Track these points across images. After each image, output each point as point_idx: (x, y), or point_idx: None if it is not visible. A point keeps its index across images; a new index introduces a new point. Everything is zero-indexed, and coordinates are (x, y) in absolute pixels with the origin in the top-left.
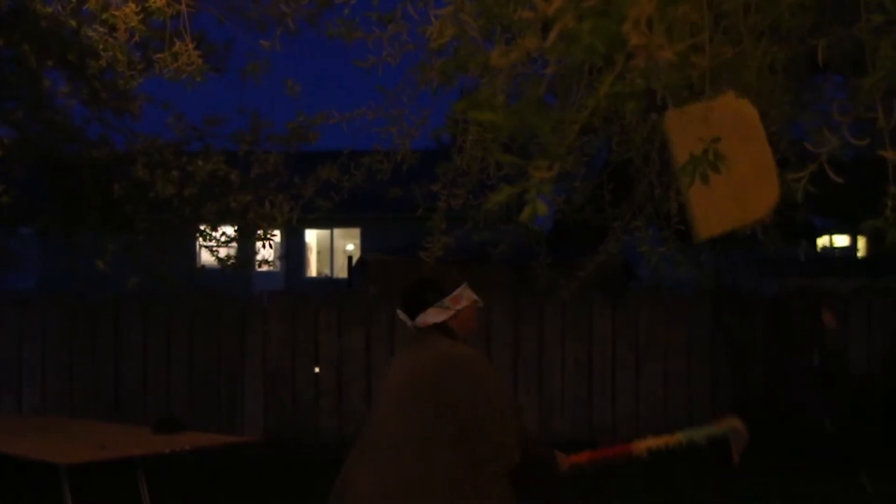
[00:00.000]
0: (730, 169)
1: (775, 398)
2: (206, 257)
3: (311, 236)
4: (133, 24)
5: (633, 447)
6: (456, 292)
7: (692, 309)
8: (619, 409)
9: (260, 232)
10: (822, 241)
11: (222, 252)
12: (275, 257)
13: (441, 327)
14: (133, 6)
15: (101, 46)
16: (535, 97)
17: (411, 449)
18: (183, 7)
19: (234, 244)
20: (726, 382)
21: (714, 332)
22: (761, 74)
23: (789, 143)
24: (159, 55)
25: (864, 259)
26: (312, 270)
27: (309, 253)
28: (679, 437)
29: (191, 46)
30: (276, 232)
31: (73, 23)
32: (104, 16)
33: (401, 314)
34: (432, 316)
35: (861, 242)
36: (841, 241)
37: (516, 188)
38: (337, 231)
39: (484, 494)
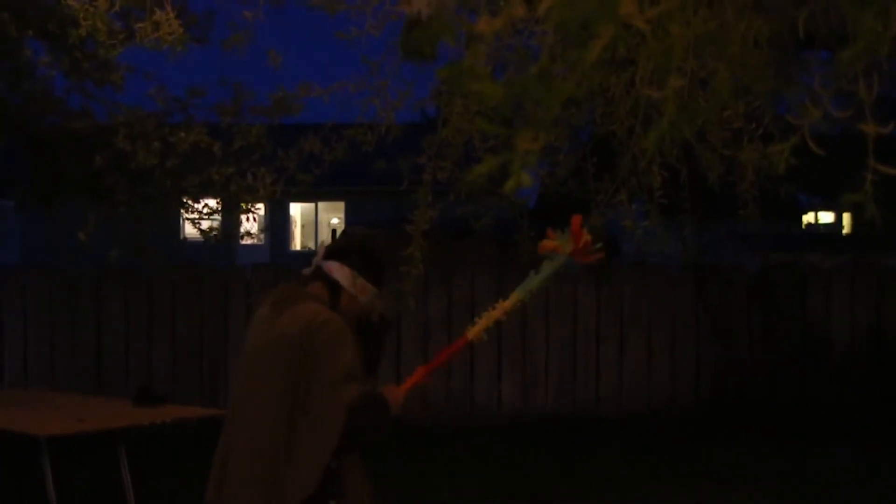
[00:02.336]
0: None
1: (758, 372)
2: (188, 230)
3: (296, 209)
4: None
5: (469, 335)
6: (370, 285)
7: (676, 284)
8: (602, 385)
9: (243, 205)
10: (807, 218)
11: (205, 224)
12: (258, 230)
13: (331, 287)
14: None
15: (81, 15)
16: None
17: (274, 417)
18: None
19: (217, 217)
20: (710, 357)
21: (697, 307)
22: (745, 48)
23: (773, 117)
24: (140, 24)
25: (848, 236)
26: (297, 244)
27: (293, 226)
28: (515, 296)
29: (172, 15)
30: (259, 205)
31: None
32: None
33: (321, 248)
34: (339, 272)
35: (846, 219)
36: (826, 217)
37: (500, 159)
38: (321, 204)
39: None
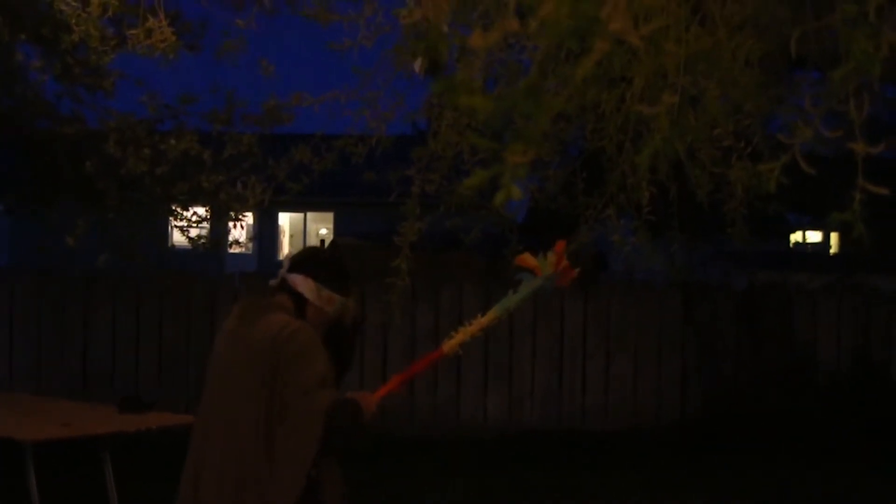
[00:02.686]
0: None
1: (744, 390)
2: (177, 237)
3: (285, 219)
4: None
5: (444, 348)
6: (336, 295)
7: (663, 301)
8: (588, 399)
9: (232, 213)
10: (795, 237)
11: (193, 232)
12: (246, 239)
13: (296, 299)
14: None
15: (74, 21)
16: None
17: (250, 429)
18: None
19: (206, 225)
20: (696, 374)
21: (684, 324)
22: (736, 66)
23: (763, 136)
24: (133, 31)
25: (836, 255)
26: (285, 253)
27: (282, 236)
28: (492, 314)
29: (165, 23)
30: (248, 213)
31: None
32: None
33: (286, 260)
34: (303, 285)
35: (834, 239)
36: (814, 237)
37: (490, 172)
38: (310, 214)
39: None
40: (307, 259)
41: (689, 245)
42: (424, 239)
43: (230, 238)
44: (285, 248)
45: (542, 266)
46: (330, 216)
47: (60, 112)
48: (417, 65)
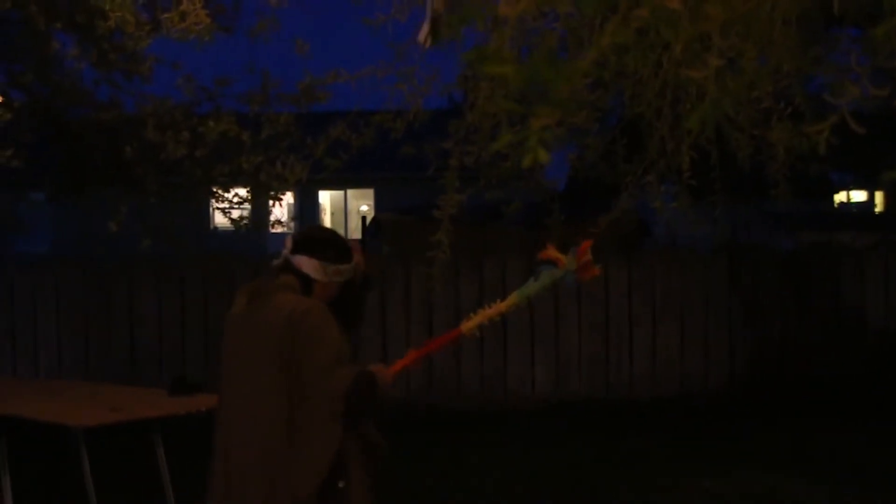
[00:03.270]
0: None
1: (793, 353)
2: (219, 219)
3: (325, 197)
4: None
5: (463, 328)
6: (344, 266)
7: (707, 266)
8: (635, 368)
9: (272, 193)
10: (840, 197)
11: (235, 213)
12: (288, 218)
13: (302, 279)
14: None
15: (108, 7)
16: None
17: (273, 416)
18: None
19: (247, 205)
20: (743, 338)
21: (730, 288)
22: (775, 27)
23: (804, 96)
24: (167, 15)
25: (881, 214)
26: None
27: (323, 214)
28: (512, 299)
29: (199, 5)
30: (289, 193)
31: None
32: None
33: (289, 240)
34: (308, 265)
35: (879, 197)
36: (858, 196)
37: (517, 135)
38: (350, 192)
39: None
40: (308, 239)
41: (732, 208)
42: (466, 212)
43: (271, 218)
44: (327, 226)
45: (567, 262)
46: (370, 192)
47: (98, 99)
48: (422, 35)
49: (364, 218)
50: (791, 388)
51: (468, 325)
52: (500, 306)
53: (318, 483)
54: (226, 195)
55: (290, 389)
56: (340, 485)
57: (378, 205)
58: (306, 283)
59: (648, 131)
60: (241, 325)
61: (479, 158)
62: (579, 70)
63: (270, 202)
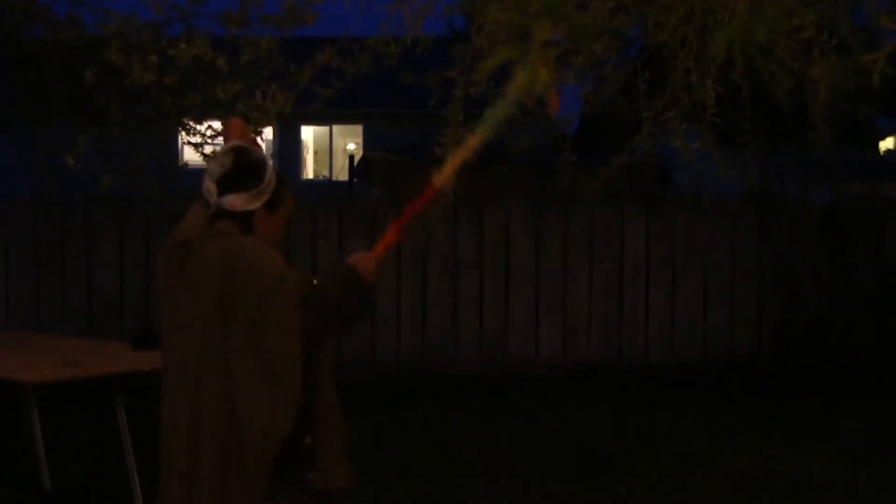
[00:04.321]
0: None
1: (827, 321)
2: (189, 155)
3: (308, 133)
4: None
5: (436, 182)
6: (267, 176)
7: (735, 218)
8: (652, 331)
9: (250, 126)
10: (885, 145)
11: (208, 149)
12: (267, 155)
13: (241, 220)
14: None
15: None
16: None
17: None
18: None
19: (222, 140)
20: (773, 301)
21: (760, 244)
22: None
23: (851, 27)
24: None
25: None
26: (309, 172)
27: (305, 152)
28: (481, 132)
29: None
30: (269, 128)
31: None
32: None
33: (210, 185)
34: (240, 201)
35: None
36: None
37: (516, 51)
38: (336, 128)
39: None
40: (231, 175)
41: (765, 154)
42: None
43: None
44: (310, 166)
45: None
46: (359, 129)
47: (55, 16)
48: None
49: (352, 157)
50: (825, 357)
51: (440, 176)
52: (472, 142)
53: (277, 441)
54: (198, 128)
55: (236, 339)
56: (307, 441)
57: (367, 143)
58: (245, 223)
59: (672, 63)
60: (176, 286)
61: (486, 89)
62: None
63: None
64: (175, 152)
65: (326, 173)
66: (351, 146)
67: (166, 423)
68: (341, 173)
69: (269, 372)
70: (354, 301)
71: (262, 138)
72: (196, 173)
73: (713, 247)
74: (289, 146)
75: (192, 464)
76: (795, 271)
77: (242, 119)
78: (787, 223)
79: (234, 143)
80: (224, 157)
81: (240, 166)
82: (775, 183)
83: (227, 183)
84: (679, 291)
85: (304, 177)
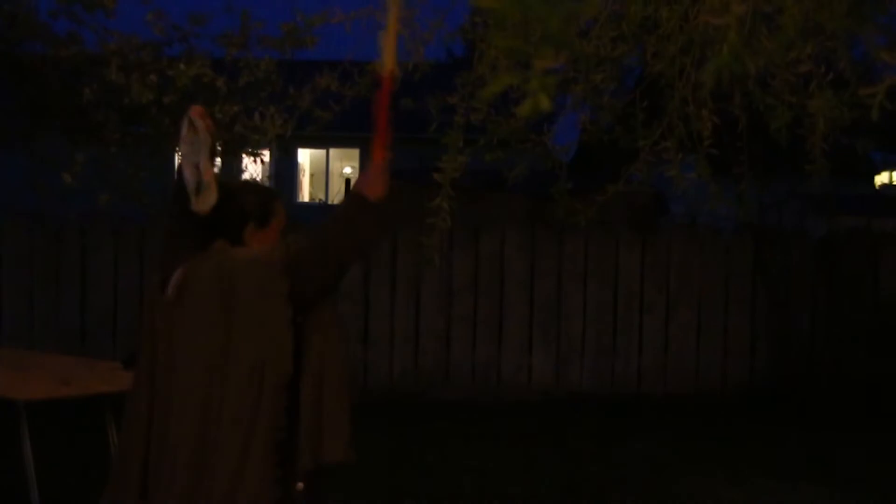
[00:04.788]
0: None
1: (821, 354)
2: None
3: (305, 156)
4: None
5: (384, 72)
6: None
7: (731, 248)
8: (645, 360)
9: (248, 148)
10: (881, 178)
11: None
12: (263, 177)
13: (231, 234)
14: None
15: None
16: None
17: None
18: None
19: (219, 160)
20: (767, 332)
21: (754, 275)
22: None
23: (849, 61)
24: None
25: None
26: (305, 195)
27: (301, 175)
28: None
29: None
30: (265, 150)
31: None
32: None
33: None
34: (232, 222)
35: None
36: None
37: (517, 78)
38: (333, 151)
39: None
40: (218, 220)
41: (761, 185)
42: (462, 178)
43: (245, 177)
44: (305, 188)
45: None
46: (355, 153)
47: (55, 33)
48: None
49: (348, 181)
50: (819, 389)
51: (384, 62)
52: (393, 23)
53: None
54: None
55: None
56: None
57: (363, 167)
58: (235, 234)
59: (669, 93)
60: (174, 313)
61: (487, 115)
62: (578, 10)
63: (246, 159)
64: (171, 170)
65: (322, 196)
66: (347, 170)
67: (175, 415)
68: (337, 197)
69: (262, 328)
70: (369, 226)
71: (260, 160)
72: None
73: (708, 277)
74: (285, 168)
75: (202, 451)
76: (789, 303)
77: (240, 140)
78: (782, 255)
79: (215, 186)
80: (207, 196)
81: (224, 212)
82: (772, 215)
83: (214, 227)
84: (672, 321)
85: (300, 199)
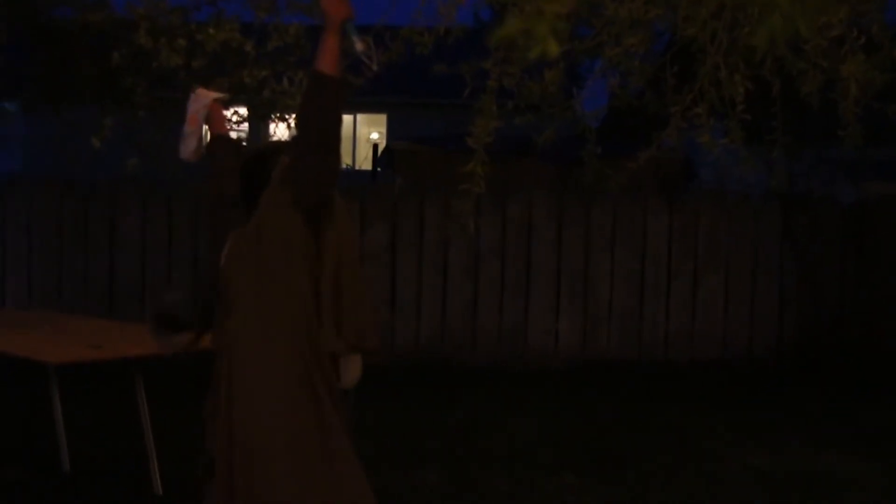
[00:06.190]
0: None
1: (849, 321)
2: None
3: None
4: None
5: None
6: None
7: (759, 215)
8: (672, 325)
9: (276, 112)
10: None
11: (233, 134)
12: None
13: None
14: None
15: None
16: None
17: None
18: None
19: (247, 125)
20: (795, 300)
21: (783, 242)
22: None
23: (882, 25)
24: None
25: None
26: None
27: None
28: None
29: None
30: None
31: None
32: None
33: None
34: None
35: None
36: None
37: (526, 21)
38: (360, 117)
39: None
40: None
41: (791, 151)
42: (490, 144)
43: (273, 140)
44: None
45: None
46: (382, 119)
47: None
48: None
49: (375, 146)
50: (847, 356)
51: None
52: None
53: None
54: (224, 112)
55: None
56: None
57: (390, 133)
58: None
59: (700, 58)
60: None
61: (521, 81)
62: None
63: (273, 123)
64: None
65: (350, 161)
66: (374, 135)
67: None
68: (364, 163)
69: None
70: (330, 95)
71: (288, 125)
72: None
73: (736, 243)
74: None
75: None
76: (819, 270)
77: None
78: (811, 221)
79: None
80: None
81: (247, 187)
82: (802, 181)
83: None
84: (700, 287)
85: None
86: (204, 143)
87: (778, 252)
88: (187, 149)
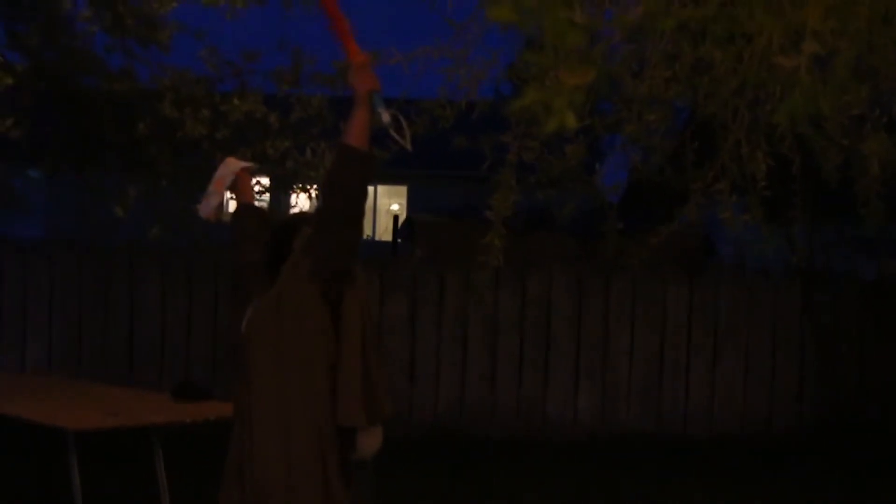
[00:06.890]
0: None
1: (871, 397)
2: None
3: None
4: None
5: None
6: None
7: (779, 292)
8: (692, 401)
9: (298, 183)
10: None
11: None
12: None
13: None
14: None
15: None
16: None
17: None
18: None
19: (269, 195)
20: (815, 376)
21: (803, 319)
22: (873, 25)
23: None
24: None
25: None
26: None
27: None
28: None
29: None
30: (315, 185)
31: None
32: None
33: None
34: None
35: None
36: None
37: (544, 93)
38: (381, 188)
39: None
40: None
41: (811, 228)
42: (510, 217)
43: (294, 211)
44: None
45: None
46: (403, 190)
47: (110, 67)
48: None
49: (396, 217)
50: (868, 436)
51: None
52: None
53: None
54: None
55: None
56: None
57: (410, 204)
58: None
59: (722, 134)
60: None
61: (540, 155)
62: (595, 25)
63: (295, 193)
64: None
65: (370, 233)
66: (394, 207)
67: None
68: (385, 234)
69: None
70: (354, 168)
71: (310, 196)
72: None
73: (755, 320)
74: None
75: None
76: (839, 347)
77: (291, 176)
78: (832, 298)
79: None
80: (209, 200)
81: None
82: (820, 258)
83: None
84: (719, 363)
85: None
86: (225, 208)
87: (798, 328)
88: (208, 207)
